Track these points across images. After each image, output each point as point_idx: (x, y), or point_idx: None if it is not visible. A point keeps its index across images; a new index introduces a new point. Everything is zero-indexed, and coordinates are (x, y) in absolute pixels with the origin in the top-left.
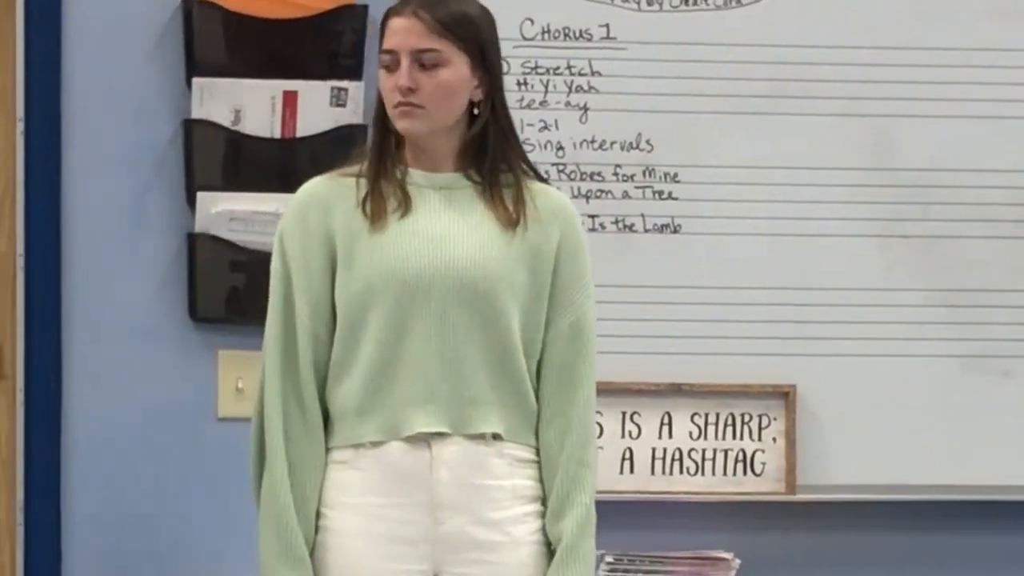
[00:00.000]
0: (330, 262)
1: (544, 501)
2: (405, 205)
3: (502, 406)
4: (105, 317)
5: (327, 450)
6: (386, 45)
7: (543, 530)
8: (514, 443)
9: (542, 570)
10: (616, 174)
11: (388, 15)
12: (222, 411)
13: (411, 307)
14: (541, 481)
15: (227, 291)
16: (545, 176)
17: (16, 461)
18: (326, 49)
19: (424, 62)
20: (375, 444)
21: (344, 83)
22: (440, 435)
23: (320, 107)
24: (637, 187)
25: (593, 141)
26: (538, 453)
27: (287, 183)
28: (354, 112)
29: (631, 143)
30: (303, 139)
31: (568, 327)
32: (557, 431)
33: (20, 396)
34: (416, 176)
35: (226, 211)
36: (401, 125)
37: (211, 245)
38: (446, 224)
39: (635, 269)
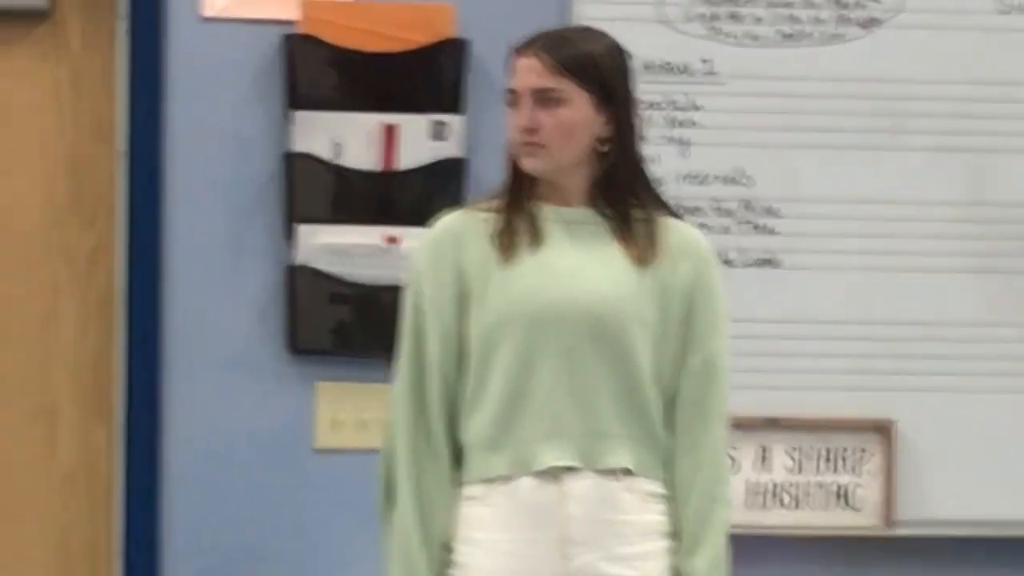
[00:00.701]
0: (462, 297)
1: (674, 537)
2: (536, 240)
3: (631, 440)
4: (204, 348)
5: (458, 485)
6: (510, 84)
7: (673, 567)
8: (644, 478)
9: None
10: (716, 208)
11: (513, 54)
12: (319, 443)
13: (540, 341)
14: (672, 517)
15: (325, 323)
16: (679, 212)
17: (115, 492)
18: (426, 83)
19: (545, 101)
20: (505, 479)
21: (444, 116)
22: (570, 470)
23: (420, 140)
24: (737, 222)
25: (693, 176)
26: (669, 488)
27: (387, 216)
28: (455, 146)
29: (731, 177)
30: (403, 172)
31: (701, 364)
32: (689, 467)
33: (120, 428)
34: (547, 211)
35: (325, 243)
36: (524, 164)
37: (310, 277)
38: (576, 259)
39: (733, 303)
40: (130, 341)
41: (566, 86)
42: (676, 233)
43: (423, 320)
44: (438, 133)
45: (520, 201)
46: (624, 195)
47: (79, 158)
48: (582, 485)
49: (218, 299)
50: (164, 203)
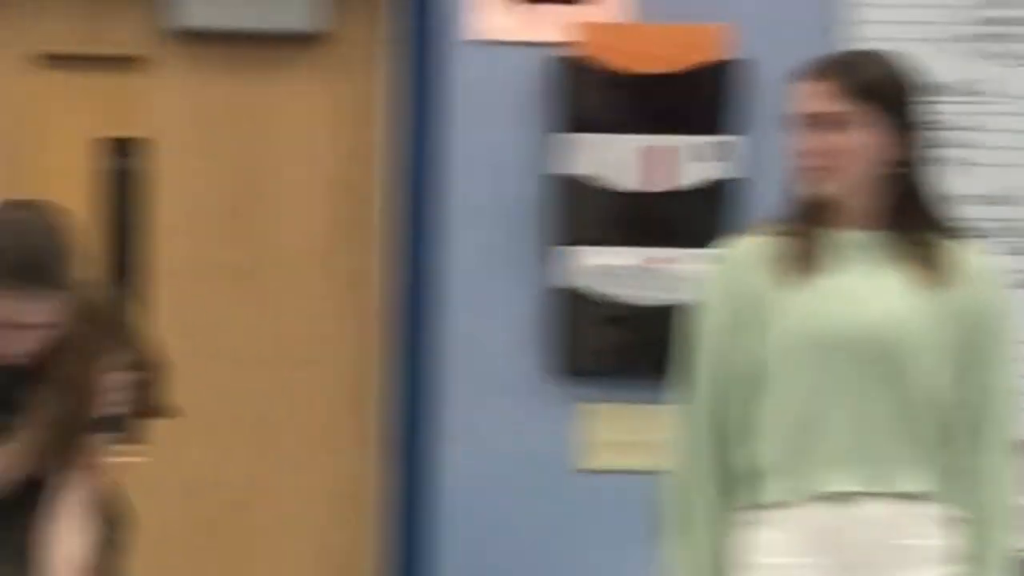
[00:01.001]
0: (748, 322)
1: (960, 561)
2: (823, 264)
3: (916, 465)
4: (469, 371)
5: (734, 509)
6: (797, 108)
7: None
8: (928, 502)
9: None
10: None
11: (800, 79)
12: (582, 463)
13: (827, 367)
14: (956, 542)
15: (589, 344)
16: (967, 235)
17: (387, 514)
18: (695, 103)
19: (833, 126)
20: (791, 504)
21: (719, 138)
22: (856, 494)
23: (695, 161)
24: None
25: (980, 196)
26: (954, 511)
27: (652, 238)
28: (729, 166)
29: (1004, 197)
30: (668, 193)
31: (982, 388)
32: (969, 491)
33: (389, 450)
34: (835, 235)
35: (591, 265)
36: (811, 188)
37: (575, 299)
38: (865, 283)
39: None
40: (398, 363)
41: (854, 110)
42: (964, 257)
43: (708, 345)
44: (713, 154)
45: (807, 225)
46: (913, 218)
47: (349, 180)
48: (868, 510)
49: (484, 321)
50: (431, 225)
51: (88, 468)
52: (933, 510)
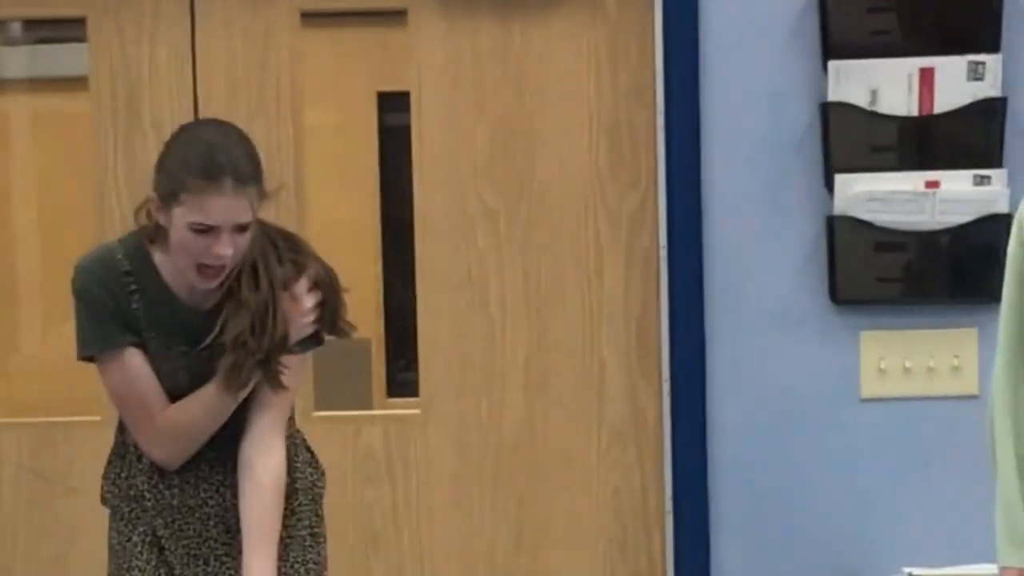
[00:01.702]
0: None
1: None
2: None
3: None
4: (747, 303)
5: None
6: None
7: None
8: None
9: None
10: None
11: None
12: (865, 392)
13: None
14: None
15: (867, 272)
16: None
17: (664, 450)
18: (962, 23)
19: None
20: None
21: (981, 56)
22: None
23: (957, 82)
24: None
25: None
26: None
27: (925, 161)
28: (991, 86)
29: None
30: (940, 116)
31: None
32: None
33: (666, 385)
34: None
35: (865, 192)
36: None
37: (851, 227)
38: None
39: None
40: (673, 298)
41: None
42: None
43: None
44: (975, 73)
45: None
46: None
47: (619, 120)
48: None
49: (759, 253)
50: (703, 160)
51: (284, 385)
52: None
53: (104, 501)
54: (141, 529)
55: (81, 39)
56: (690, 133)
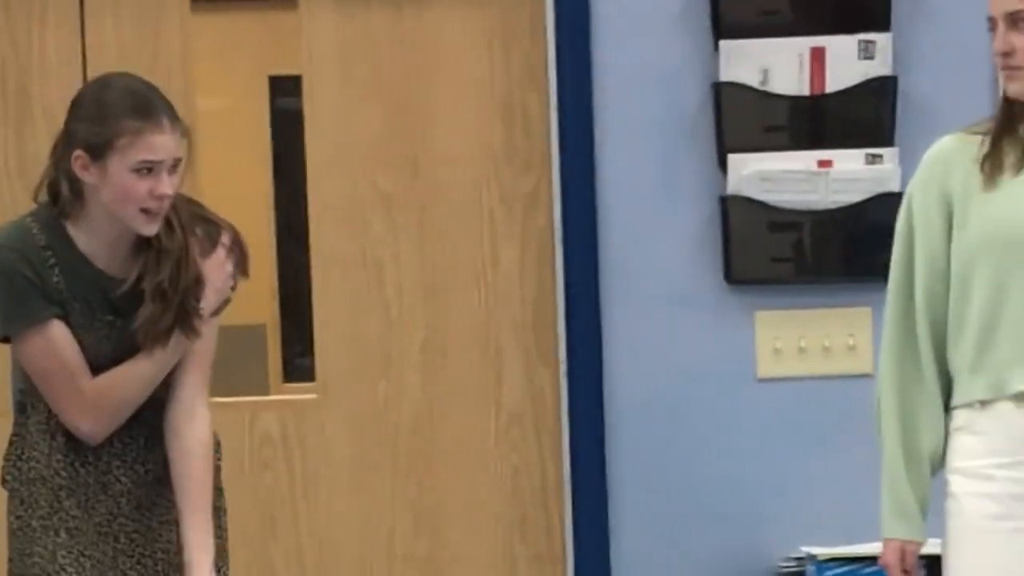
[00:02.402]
0: (948, 220)
1: None
2: (1022, 164)
3: None
4: (642, 284)
5: (948, 412)
6: (988, 11)
7: None
8: None
9: None
10: None
11: None
12: (761, 372)
13: (1014, 265)
14: None
15: (761, 252)
16: None
17: (562, 431)
18: (852, 2)
19: (1019, 24)
20: (984, 403)
21: (871, 35)
22: None
23: (848, 61)
24: None
25: None
26: None
27: (817, 141)
28: (882, 64)
29: None
30: (832, 95)
31: None
32: None
33: (563, 366)
34: None
35: (758, 171)
36: (1008, 89)
37: (744, 207)
38: None
39: None
40: (569, 279)
41: None
42: None
43: (911, 248)
44: (866, 52)
45: (1010, 125)
46: None
47: (512, 103)
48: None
49: (653, 234)
50: (596, 142)
51: (199, 333)
52: None
53: (3, 483)
54: (41, 512)
55: None
56: (583, 115)
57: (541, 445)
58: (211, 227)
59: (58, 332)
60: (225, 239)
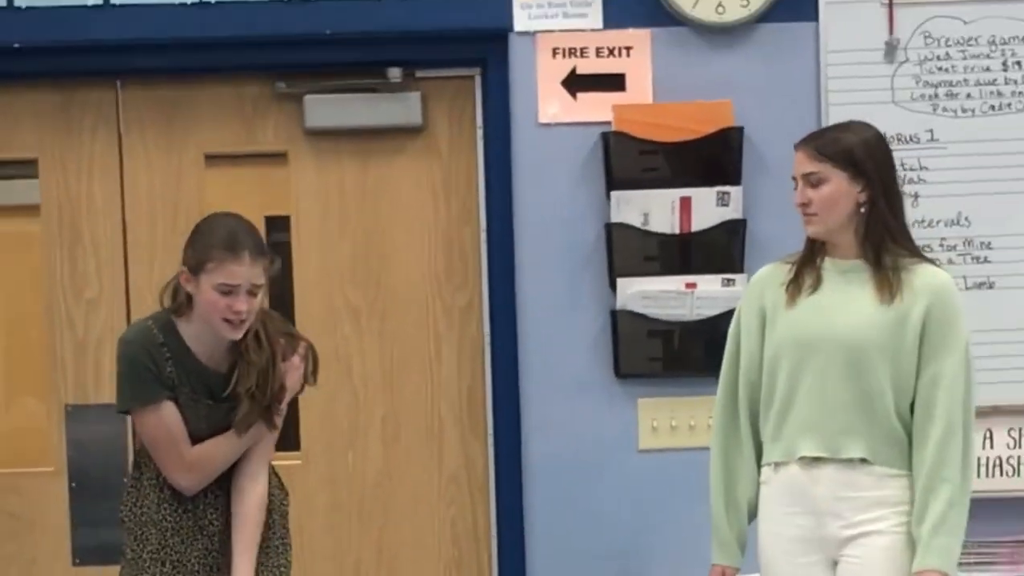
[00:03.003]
0: (762, 328)
1: (898, 506)
2: (816, 286)
3: (867, 436)
4: (552, 377)
5: (761, 468)
6: (793, 172)
7: (906, 525)
8: (879, 465)
9: (902, 553)
10: (942, 245)
11: (794, 148)
12: (642, 445)
13: (804, 361)
14: (896, 492)
15: (642, 353)
16: (933, 259)
17: (489, 489)
18: (712, 162)
19: (812, 182)
20: (778, 465)
21: (727, 188)
22: (820, 459)
23: (709, 207)
24: (959, 255)
25: (923, 221)
26: (895, 470)
27: (685, 268)
28: (735, 209)
29: (953, 220)
30: (697, 233)
31: (930, 376)
32: (919, 454)
33: (491, 439)
34: (829, 263)
35: (640, 291)
36: (807, 231)
37: (630, 318)
38: (839, 300)
39: None
40: (495, 372)
41: (825, 168)
42: (921, 274)
43: (738, 343)
44: (722, 201)
45: (811, 256)
46: (876, 247)
47: (451, 236)
48: (827, 471)
49: (560, 339)
50: (517, 268)
51: (277, 427)
52: (883, 470)
53: (121, 523)
54: (151, 547)
55: (34, 176)
56: (507, 246)
57: (473, 500)
58: (292, 339)
59: (168, 411)
60: (301, 350)
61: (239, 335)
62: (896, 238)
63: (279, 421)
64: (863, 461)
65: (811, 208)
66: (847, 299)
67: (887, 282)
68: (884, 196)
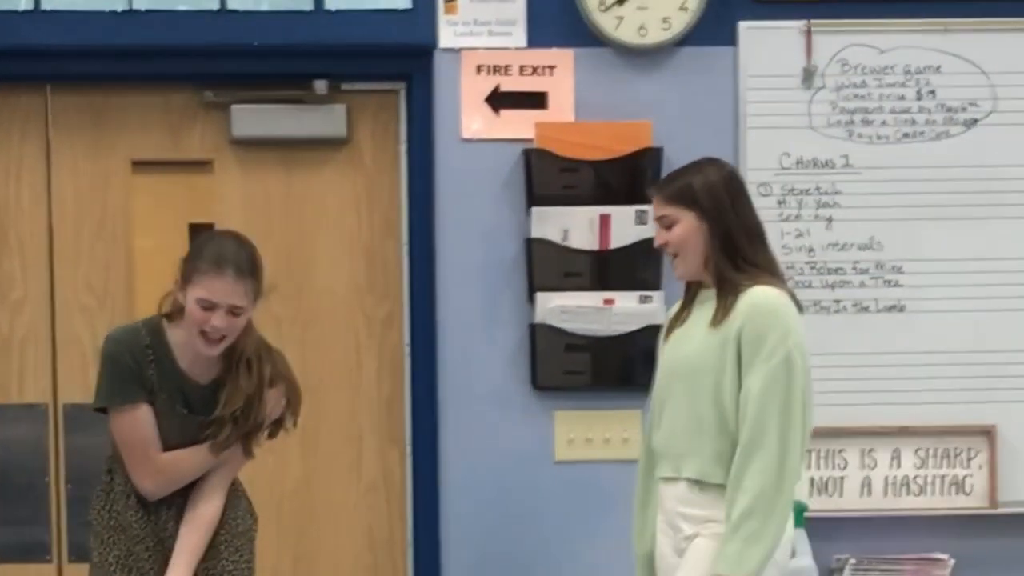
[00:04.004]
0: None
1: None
2: (686, 318)
3: (700, 456)
4: (470, 388)
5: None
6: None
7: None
8: (707, 482)
9: (708, 555)
10: (855, 268)
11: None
12: (558, 456)
13: (663, 387)
14: (724, 508)
15: (559, 366)
16: (769, 280)
17: (406, 497)
18: (631, 181)
19: (665, 224)
20: (660, 480)
21: (644, 207)
22: (671, 478)
23: (627, 225)
24: (871, 278)
25: (836, 244)
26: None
27: (604, 284)
28: (652, 228)
29: (866, 244)
30: (615, 250)
31: (744, 392)
32: (734, 468)
33: (408, 448)
34: (700, 294)
35: (558, 306)
36: (675, 274)
37: (548, 332)
38: (689, 330)
39: (870, 340)
40: (415, 383)
41: (674, 211)
42: (744, 297)
43: (657, 372)
44: (640, 219)
45: (689, 295)
46: (720, 276)
47: (374, 248)
48: (671, 489)
49: (479, 351)
50: (437, 280)
51: (253, 455)
52: (709, 488)
53: (89, 526)
54: (116, 552)
55: None
56: (427, 259)
57: (391, 508)
58: (280, 380)
59: (143, 413)
60: (284, 391)
61: (215, 352)
62: (740, 267)
63: (255, 451)
64: (697, 481)
65: (670, 249)
66: (694, 328)
67: (721, 307)
68: (731, 229)
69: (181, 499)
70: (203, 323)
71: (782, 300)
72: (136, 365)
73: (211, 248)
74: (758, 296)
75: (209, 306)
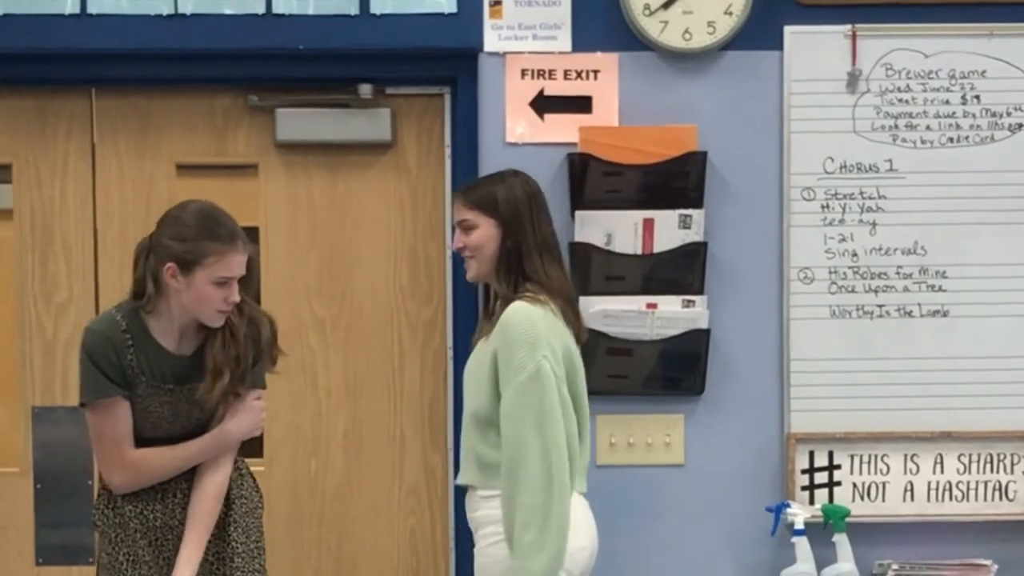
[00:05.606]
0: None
1: (495, 523)
2: (489, 329)
3: (474, 464)
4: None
5: None
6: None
7: (503, 540)
8: (481, 488)
9: (498, 565)
10: (898, 273)
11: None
12: (600, 460)
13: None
14: (494, 511)
15: (603, 370)
16: (530, 293)
17: (448, 500)
18: (675, 185)
19: (465, 228)
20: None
21: (689, 211)
22: (458, 484)
23: (671, 230)
24: (914, 283)
25: (880, 249)
26: (494, 491)
27: (647, 288)
28: (696, 232)
29: (910, 249)
30: (659, 254)
31: (501, 410)
32: (502, 486)
33: (451, 451)
34: (499, 305)
35: (602, 310)
36: (466, 276)
37: (591, 336)
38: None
39: (913, 345)
40: (457, 386)
41: (474, 216)
42: (504, 313)
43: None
44: (684, 223)
45: (488, 300)
46: (501, 287)
47: (417, 250)
48: (467, 497)
49: None
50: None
51: (244, 409)
52: (485, 492)
53: (94, 526)
54: (125, 550)
55: (7, 180)
56: None
57: (432, 511)
58: (256, 315)
59: (120, 410)
60: (256, 393)
61: (222, 321)
62: (515, 281)
63: (241, 389)
64: (471, 487)
65: (466, 252)
66: (482, 339)
67: (489, 322)
68: (523, 242)
69: (186, 484)
70: (220, 302)
71: (534, 314)
72: (116, 355)
73: (207, 225)
74: (509, 312)
75: (226, 281)
